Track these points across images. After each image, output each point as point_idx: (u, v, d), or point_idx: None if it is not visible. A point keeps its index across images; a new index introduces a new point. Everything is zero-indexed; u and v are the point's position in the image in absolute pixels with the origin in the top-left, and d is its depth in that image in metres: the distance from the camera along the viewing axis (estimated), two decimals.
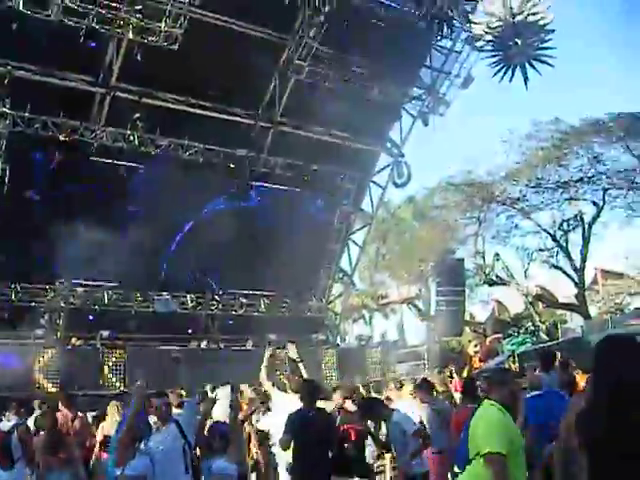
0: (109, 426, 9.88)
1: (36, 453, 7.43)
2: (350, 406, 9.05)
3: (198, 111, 21.37)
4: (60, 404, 10.57)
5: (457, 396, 10.82)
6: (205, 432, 7.43)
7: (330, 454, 7.66)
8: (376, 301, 46.78)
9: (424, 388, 9.64)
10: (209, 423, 7.85)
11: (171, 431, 6.84)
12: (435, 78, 24.29)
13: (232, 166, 22.42)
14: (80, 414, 10.76)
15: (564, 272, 33.21)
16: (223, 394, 9.04)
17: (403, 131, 26.25)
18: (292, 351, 9.63)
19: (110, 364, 18.42)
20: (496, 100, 75.75)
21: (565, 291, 34.94)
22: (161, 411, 7.01)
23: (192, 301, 23.04)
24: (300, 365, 9.49)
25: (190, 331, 22.76)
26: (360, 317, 50.94)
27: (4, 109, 17.94)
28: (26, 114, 18.33)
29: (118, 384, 18.39)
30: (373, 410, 8.28)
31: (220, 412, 8.77)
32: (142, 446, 6.53)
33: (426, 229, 38.81)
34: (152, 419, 7.21)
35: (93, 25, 16.98)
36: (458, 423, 7.13)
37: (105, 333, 18.82)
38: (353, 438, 8.19)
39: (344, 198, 25.49)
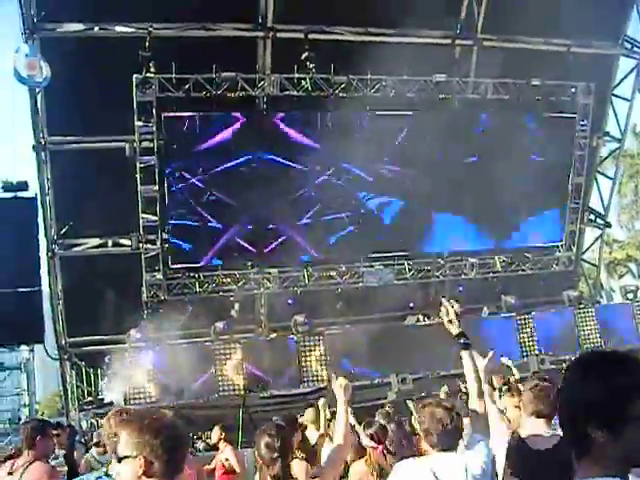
0: None
1: None
2: None
3: (377, 39, 17.82)
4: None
5: None
6: None
7: None
8: None
9: None
10: None
11: None
12: None
13: (442, 96, 18.56)
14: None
15: None
16: None
17: None
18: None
19: (306, 355, 15.12)
20: None
21: None
22: None
23: (410, 269, 19.22)
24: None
25: (412, 305, 19.00)
26: (626, 272, 45.29)
27: (148, 74, 15.58)
28: (173, 75, 15.77)
29: (323, 377, 15.02)
30: None
31: None
32: None
33: None
34: None
35: None
36: None
37: (300, 318, 15.59)
38: None
39: (581, 118, 20.23)
